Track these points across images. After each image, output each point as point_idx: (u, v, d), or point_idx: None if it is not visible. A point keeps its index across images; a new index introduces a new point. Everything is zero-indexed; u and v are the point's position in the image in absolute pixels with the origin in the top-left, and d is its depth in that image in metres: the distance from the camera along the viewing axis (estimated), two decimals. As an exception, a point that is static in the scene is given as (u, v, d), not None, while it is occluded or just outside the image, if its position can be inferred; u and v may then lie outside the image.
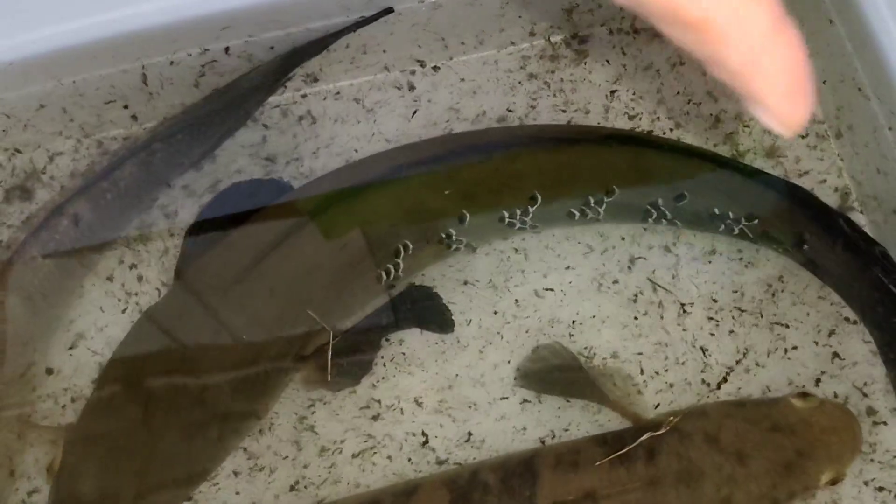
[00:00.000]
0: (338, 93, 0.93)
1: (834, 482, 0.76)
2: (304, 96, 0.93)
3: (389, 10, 0.87)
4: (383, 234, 0.79)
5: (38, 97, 0.86)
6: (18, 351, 0.81)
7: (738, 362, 0.84)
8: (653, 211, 0.82)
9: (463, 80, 0.93)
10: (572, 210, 0.82)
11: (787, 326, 0.85)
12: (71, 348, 0.86)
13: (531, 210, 0.81)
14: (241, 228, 0.81)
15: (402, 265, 0.80)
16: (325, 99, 0.93)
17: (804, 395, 0.79)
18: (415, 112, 0.92)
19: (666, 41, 0.35)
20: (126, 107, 0.90)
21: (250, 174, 0.90)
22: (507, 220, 0.82)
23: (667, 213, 0.82)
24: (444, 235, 0.81)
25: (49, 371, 0.84)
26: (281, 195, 0.86)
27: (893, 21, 0.77)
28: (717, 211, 0.81)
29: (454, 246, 0.83)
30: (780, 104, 0.34)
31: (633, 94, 0.92)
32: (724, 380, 0.83)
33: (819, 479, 0.76)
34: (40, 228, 0.83)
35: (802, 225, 0.81)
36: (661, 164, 0.82)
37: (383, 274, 0.80)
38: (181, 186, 0.90)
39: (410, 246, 0.80)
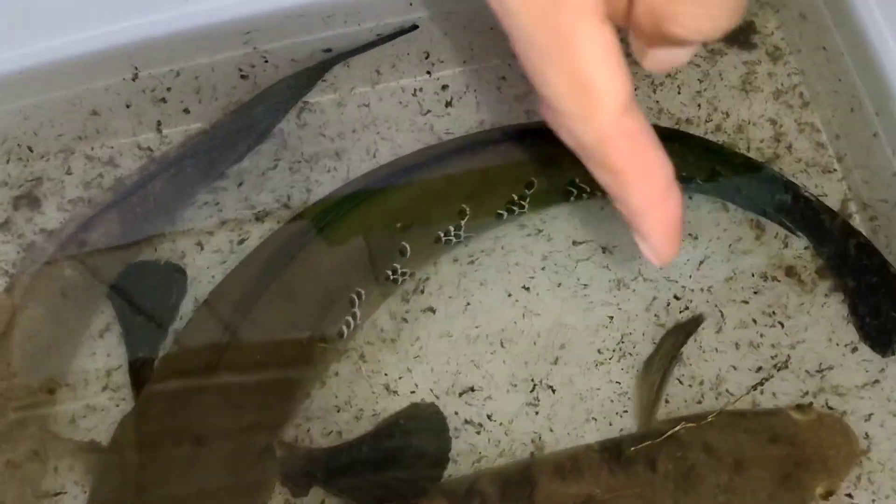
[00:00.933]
0: (338, 105, 0.94)
1: (828, 495, 0.77)
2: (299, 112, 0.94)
3: (414, 27, 0.88)
4: (338, 287, 0.79)
5: (55, 105, 0.88)
6: (38, 361, 0.83)
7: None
8: (573, 189, 0.85)
9: (461, 92, 0.94)
10: (500, 212, 0.84)
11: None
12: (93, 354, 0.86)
13: (463, 223, 0.82)
14: (197, 316, 0.80)
15: (359, 314, 0.80)
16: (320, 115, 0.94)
17: (802, 406, 0.79)
18: (424, 124, 0.93)
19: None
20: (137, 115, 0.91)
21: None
22: (443, 239, 0.83)
23: (586, 187, 0.84)
24: (390, 273, 0.82)
25: (55, 386, 0.84)
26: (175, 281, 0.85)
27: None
28: None
29: (400, 280, 0.83)
30: (659, 245, 0.44)
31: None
32: (762, 383, 0.84)
33: (814, 491, 0.76)
34: (68, 240, 0.84)
35: (714, 160, 0.86)
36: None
37: (344, 328, 0.80)
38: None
39: (363, 293, 0.80)
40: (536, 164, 0.83)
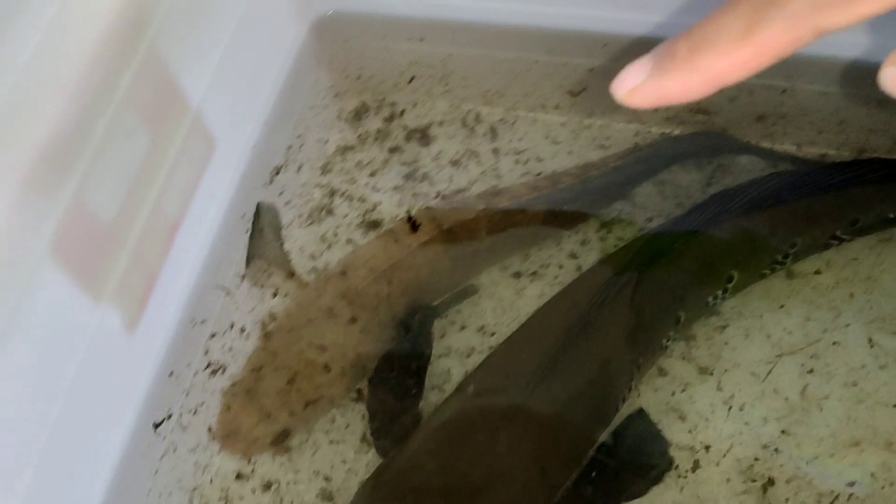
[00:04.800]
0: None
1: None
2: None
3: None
4: (625, 358, 0.76)
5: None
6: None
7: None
8: (833, 241, 0.83)
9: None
10: (764, 271, 0.82)
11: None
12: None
13: (729, 287, 0.80)
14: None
15: (633, 385, 0.77)
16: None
17: None
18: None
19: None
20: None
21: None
22: (710, 304, 0.80)
23: (846, 237, 0.82)
24: (665, 341, 0.79)
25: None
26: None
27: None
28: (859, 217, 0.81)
29: (668, 349, 0.80)
30: None
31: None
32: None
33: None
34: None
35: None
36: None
37: (621, 400, 0.77)
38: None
39: (642, 362, 0.77)
40: (801, 222, 0.81)
